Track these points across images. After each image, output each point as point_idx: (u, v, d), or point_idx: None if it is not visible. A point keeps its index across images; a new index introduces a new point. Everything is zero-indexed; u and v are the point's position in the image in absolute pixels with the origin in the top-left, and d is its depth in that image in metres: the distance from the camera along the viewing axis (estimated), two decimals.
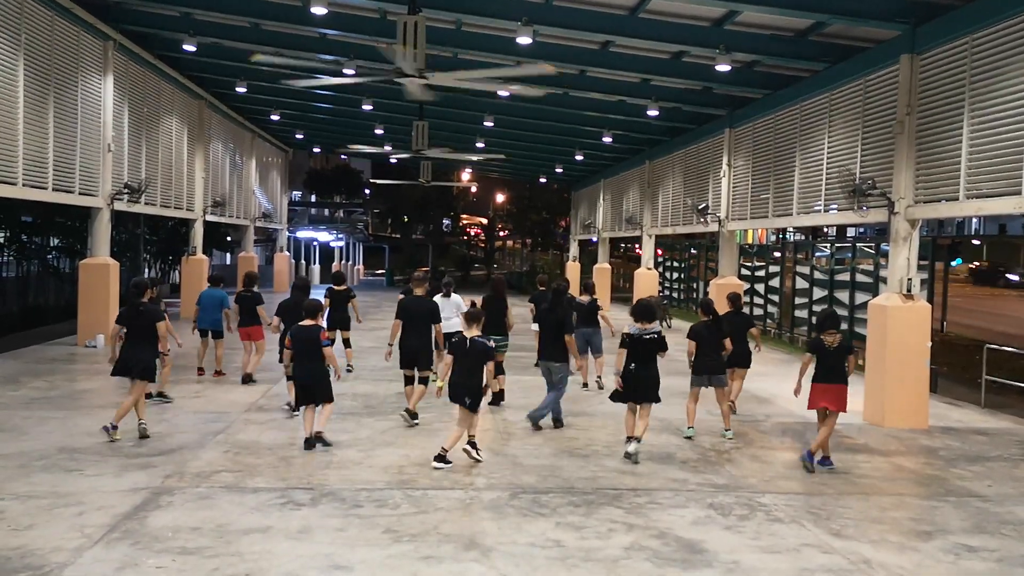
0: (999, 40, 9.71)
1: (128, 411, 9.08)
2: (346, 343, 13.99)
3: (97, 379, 12.89)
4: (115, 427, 8.97)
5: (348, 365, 13.84)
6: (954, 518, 7.34)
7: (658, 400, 9.01)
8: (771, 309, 23.12)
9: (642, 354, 8.86)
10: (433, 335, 10.45)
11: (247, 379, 12.53)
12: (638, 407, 8.98)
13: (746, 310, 17.00)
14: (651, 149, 23.77)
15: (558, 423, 10.34)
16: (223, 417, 10.36)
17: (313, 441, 8.84)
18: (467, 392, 8.41)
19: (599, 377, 13.00)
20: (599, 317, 12.94)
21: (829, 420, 8.74)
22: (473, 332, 8.59)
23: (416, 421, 10.19)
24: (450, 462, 8.31)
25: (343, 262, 51.77)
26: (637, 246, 55.07)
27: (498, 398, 11.42)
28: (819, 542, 6.60)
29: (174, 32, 17.28)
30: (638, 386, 8.89)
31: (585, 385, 12.86)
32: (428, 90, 11.92)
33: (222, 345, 13.01)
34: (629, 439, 8.89)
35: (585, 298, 12.75)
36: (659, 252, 34.46)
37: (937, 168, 10.79)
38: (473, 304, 9.27)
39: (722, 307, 11.00)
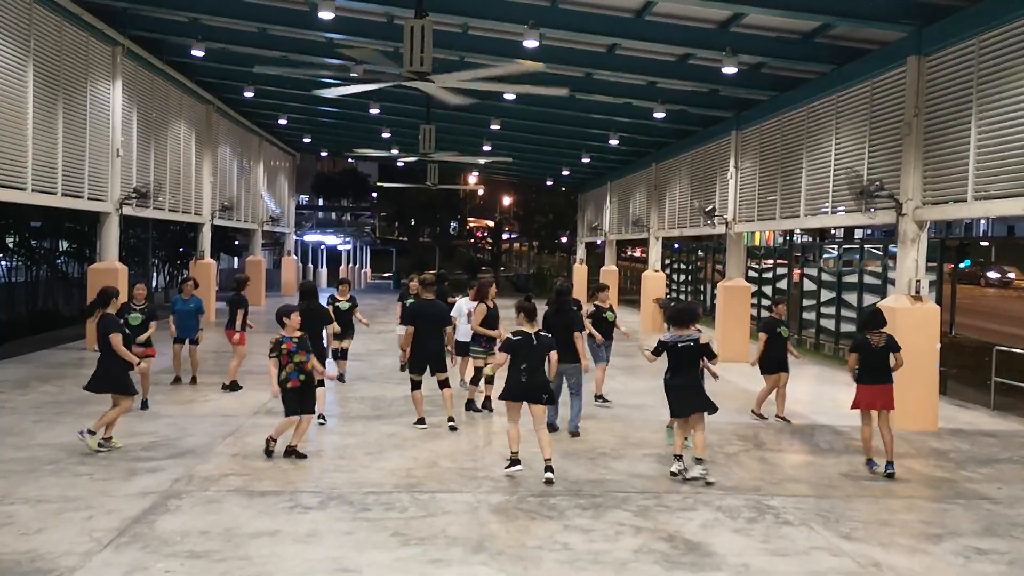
0: (1006, 41, 9.67)
1: (106, 421, 8.86)
2: (343, 354, 13.67)
3: None
4: (91, 433, 8.81)
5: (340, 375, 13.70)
6: (964, 520, 7.31)
7: (711, 409, 8.33)
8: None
9: (680, 363, 8.27)
10: (444, 338, 10.42)
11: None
12: (687, 421, 8.33)
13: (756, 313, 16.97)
14: (658, 151, 23.75)
15: (553, 428, 10.23)
16: (231, 421, 10.39)
17: (288, 451, 8.65)
18: (543, 389, 8.20)
19: (598, 395, 12.27)
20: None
21: (884, 421, 8.75)
22: (532, 328, 8.32)
23: (453, 424, 10.21)
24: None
25: (350, 265, 51.87)
26: (632, 249, 55.06)
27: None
28: (829, 545, 6.59)
29: (182, 37, 17.34)
30: (680, 397, 8.30)
31: (598, 397, 12.24)
32: (457, 94, 11.81)
33: (196, 352, 12.82)
34: (677, 458, 8.32)
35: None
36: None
37: (945, 169, 10.76)
38: (528, 297, 8.96)
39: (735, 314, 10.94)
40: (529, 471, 8.32)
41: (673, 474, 8.24)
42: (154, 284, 34.05)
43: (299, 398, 8.59)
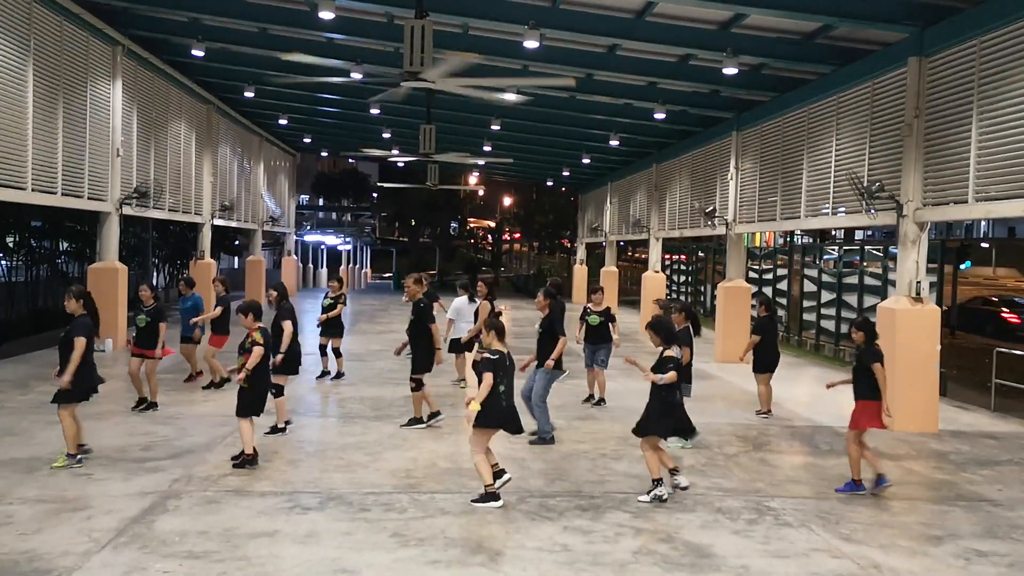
0: (1007, 43, 9.66)
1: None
2: (335, 352, 13.77)
3: (105, 384, 12.91)
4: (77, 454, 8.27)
5: (340, 372, 13.76)
6: (964, 522, 7.30)
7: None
8: (779, 312, 23.06)
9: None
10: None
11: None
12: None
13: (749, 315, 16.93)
14: (658, 152, 23.74)
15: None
16: (231, 421, 10.33)
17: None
18: (517, 416, 7.50)
19: (598, 396, 12.11)
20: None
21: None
22: (503, 346, 7.50)
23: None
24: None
25: (350, 266, 51.83)
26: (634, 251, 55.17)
27: None
28: (829, 547, 6.57)
29: (182, 37, 17.33)
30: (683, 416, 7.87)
31: (591, 397, 12.15)
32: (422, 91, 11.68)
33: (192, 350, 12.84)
34: (673, 472, 7.71)
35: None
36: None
37: (945, 171, 10.75)
38: (499, 313, 8.72)
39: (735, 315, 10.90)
40: (526, 471, 8.31)
41: (662, 499, 7.54)
42: (154, 284, 34.05)
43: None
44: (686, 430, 8.08)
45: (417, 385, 10.17)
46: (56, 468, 8.01)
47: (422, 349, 10.17)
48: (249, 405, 8.31)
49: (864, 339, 8.23)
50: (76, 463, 8.11)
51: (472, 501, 7.29)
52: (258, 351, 8.22)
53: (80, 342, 8.02)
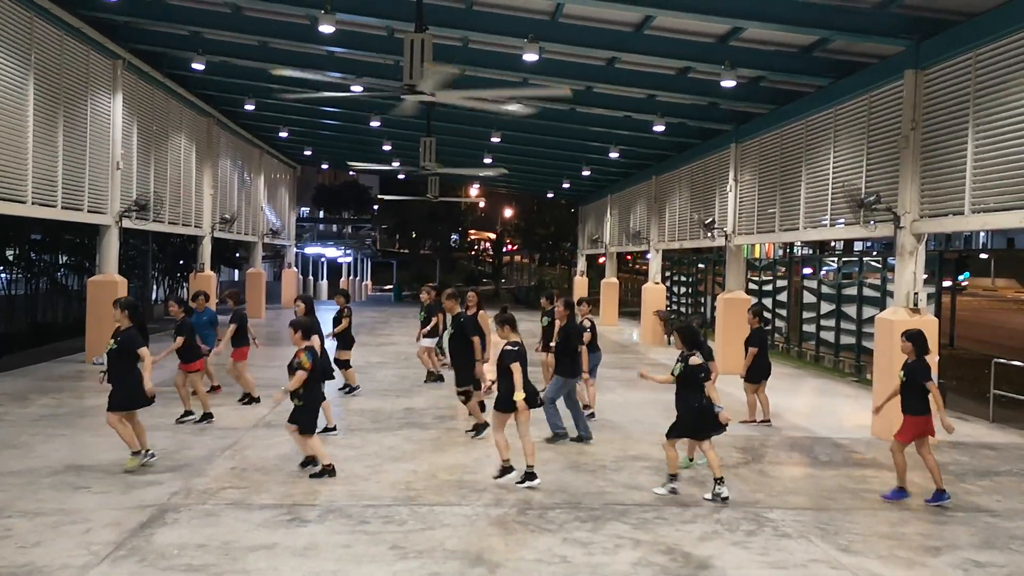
0: (1003, 55, 9.72)
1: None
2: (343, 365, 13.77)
3: (105, 396, 12.91)
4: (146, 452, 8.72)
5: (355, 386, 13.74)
6: (963, 533, 7.30)
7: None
8: (779, 323, 23.08)
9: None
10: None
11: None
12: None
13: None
14: (657, 164, 23.81)
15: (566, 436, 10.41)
16: (231, 433, 10.37)
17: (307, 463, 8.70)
18: (537, 393, 8.55)
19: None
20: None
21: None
22: (518, 337, 8.56)
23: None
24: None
25: (351, 278, 51.88)
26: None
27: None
28: (827, 558, 6.57)
29: (183, 51, 17.42)
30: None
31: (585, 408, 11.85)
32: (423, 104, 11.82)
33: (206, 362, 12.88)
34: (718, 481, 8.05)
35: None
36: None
37: (942, 182, 10.79)
38: (505, 309, 9.16)
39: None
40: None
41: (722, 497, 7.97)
42: (154, 297, 34.06)
43: None
44: (703, 430, 8.04)
45: (467, 396, 10.36)
46: (129, 469, 8.38)
47: (466, 361, 10.36)
48: (311, 421, 8.53)
49: (912, 351, 8.19)
50: (148, 456, 8.55)
51: (517, 483, 8.22)
52: (300, 375, 8.31)
53: (144, 351, 8.40)
